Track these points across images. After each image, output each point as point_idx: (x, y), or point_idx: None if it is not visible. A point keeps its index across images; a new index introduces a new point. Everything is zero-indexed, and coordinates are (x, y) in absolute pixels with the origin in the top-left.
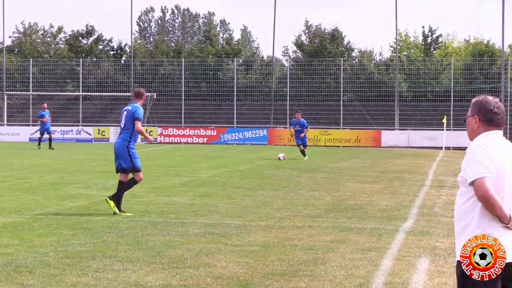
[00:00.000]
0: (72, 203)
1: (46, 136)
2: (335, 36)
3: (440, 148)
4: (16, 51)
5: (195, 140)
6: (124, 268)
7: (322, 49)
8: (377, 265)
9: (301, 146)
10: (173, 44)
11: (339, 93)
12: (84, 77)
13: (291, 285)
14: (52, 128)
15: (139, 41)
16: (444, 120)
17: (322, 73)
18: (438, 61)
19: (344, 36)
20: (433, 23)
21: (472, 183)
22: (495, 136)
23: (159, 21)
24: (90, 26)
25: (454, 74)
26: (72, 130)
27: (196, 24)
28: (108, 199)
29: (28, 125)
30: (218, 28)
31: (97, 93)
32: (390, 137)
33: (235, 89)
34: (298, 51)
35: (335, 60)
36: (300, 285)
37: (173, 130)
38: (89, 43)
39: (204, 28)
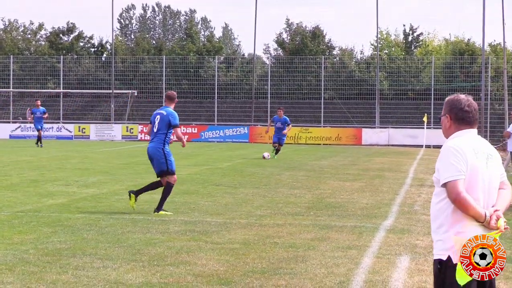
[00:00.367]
0: (52, 200)
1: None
2: (316, 34)
3: (421, 146)
4: None
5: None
6: (104, 266)
7: (303, 47)
8: (358, 263)
9: (277, 144)
10: (154, 42)
11: (320, 91)
12: (65, 74)
13: (271, 283)
14: (32, 126)
15: (120, 38)
16: (425, 118)
17: (303, 71)
18: (419, 59)
19: (325, 34)
20: (414, 21)
21: (444, 185)
22: (469, 135)
23: (140, 18)
24: (71, 23)
25: (434, 72)
26: (52, 127)
27: (178, 21)
28: (131, 193)
29: (9, 122)
30: (199, 26)
31: (78, 90)
32: (371, 135)
33: (216, 86)
34: (279, 48)
35: (316, 58)
36: (280, 283)
37: None
38: (70, 40)
39: (185, 26)
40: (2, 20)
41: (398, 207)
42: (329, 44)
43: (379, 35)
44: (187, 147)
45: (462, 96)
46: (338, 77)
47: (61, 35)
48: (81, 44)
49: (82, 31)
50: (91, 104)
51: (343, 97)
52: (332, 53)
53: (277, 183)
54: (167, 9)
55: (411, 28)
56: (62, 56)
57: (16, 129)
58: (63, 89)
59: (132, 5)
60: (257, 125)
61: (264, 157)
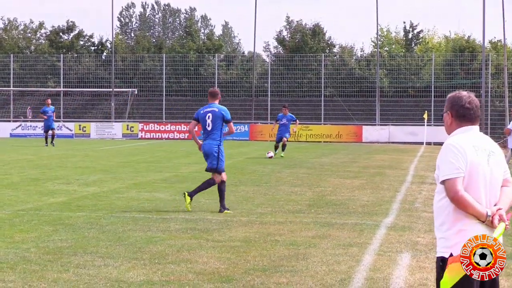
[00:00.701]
0: (53, 198)
1: (50, 132)
2: (316, 31)
3: (421, 143)
4: None
5: (176, 135)
6: (105, 264)
7: (303, 44)
8: (359, 261)
9: (285, 139)
10: (154, 40)
11: (320, 88)
12: (65, 73)
13: (272, 281)
14: (33, 124)
15: (120, 37)
16: (425, 116)
17: (303, 69)
18: (419, 56)
19: (326, 32)
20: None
21: (443, 183)
22: (470, 132)
23: (140, 16)
24: (71, 21)
25: (435, 69)
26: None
27: (177, 19)
28: (186, 193)
29: (9, 121)
30: (199, 24)
31: (78, 89)
32: (371, 132)
33: (216, 84)
34: (279, 46)
35: (316, 56)
36: (281, 281)
37: (154, 126)
38: (70, 38)
39: (185, 24)
40: (2, 19)
41: (399, 205)
42: (329, 42)
43: (379, 33)
44: (187, 145)
45: (464, 93)
46: (338, 75)
47: (61, 33)
48: (81, 42)
49: (82, 29)
50: (91, 102)
51: (344, 94)
52: (332, 51)
53: (277, 181)
54: (166, 7)
55: (411, 25)
56: (62, 55)
57: (16, 127)
58: (63, 87)
59: (132, 3)
60: (257, 123)
61: (271, 157)
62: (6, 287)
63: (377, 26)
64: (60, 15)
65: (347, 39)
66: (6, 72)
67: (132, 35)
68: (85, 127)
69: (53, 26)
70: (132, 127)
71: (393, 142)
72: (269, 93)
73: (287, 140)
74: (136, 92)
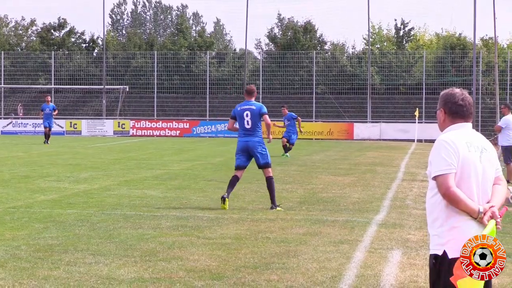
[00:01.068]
0: (44, 196)
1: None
2: (308, 28)
3: (412, 140)
4: None
5: (168, 133)
6: (96, 262)
7: (294, 41)
8: (349, 258)
9: (288, 142)
10: (145, 37)
11: (312, 85)
12: (56, 70)
13: (263, 278)
14: (24, 121)
15: (112, 34)
16: (416, 113)
17: (294, 66)
18: (410, 54)
19: (317, 29)
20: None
21: (435, 179)
22: (463, 129)
23: (132, 13)
24: (63, 18)
25: (426, 67)
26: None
27: (169, 16)
28: (225, 198)
29: (0, 118)
30: (190, 21)
31: (69, 86)
32: (363, 129)
33: (208, 82)
34: (271, 43)
35: (307, 53)
36: (272, 278)
37: (145, 123)
38: (61, 35)
39: (177, 21)
40: None
41: (390, 202)
42: (320, 39)
43: (370, 30)
44: (178, 142)
45: (457, 90)
46: (330, 72)
47: (52, 30)
48: (73, 39)
49: (73, 26)
50: (82, 99)
51: (335, 91)
52: (323, 48)
53: None
54: (158, 4)
55: (403, 23)
56: (53, 52)
57: (7, 125)
58: (54, 84)
59: (124, 0)
60: None
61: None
62: None
63: (369, 24)
64: (52, 12)
65: (338, 36)
66: None
67: (124, 32)
68: (76, 124)
69: (44, 23)
70: (124, 124)
71: (384, 139)
72: (260, 90)
73: (292, 145)
74: (127, 89)
